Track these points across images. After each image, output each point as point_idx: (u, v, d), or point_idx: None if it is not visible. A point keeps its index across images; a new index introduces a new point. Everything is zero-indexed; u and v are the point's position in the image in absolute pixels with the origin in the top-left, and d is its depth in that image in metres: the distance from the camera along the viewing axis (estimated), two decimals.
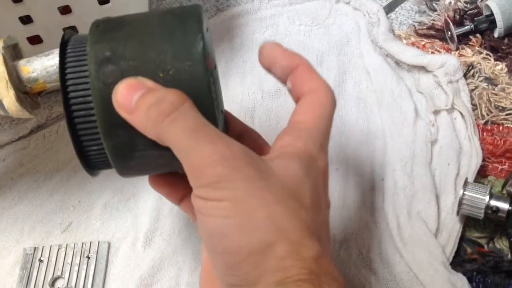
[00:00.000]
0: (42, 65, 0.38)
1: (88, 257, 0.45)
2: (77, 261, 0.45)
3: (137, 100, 0.29)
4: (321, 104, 0.33)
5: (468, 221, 0.45)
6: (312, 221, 0.29)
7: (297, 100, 0.34)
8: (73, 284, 0.44)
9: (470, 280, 0.42)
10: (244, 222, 0.27)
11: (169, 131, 0.28)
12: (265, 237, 0.27)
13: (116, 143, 0.31)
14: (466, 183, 0.43)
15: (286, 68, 0.34)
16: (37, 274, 0.45)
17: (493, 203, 0.42)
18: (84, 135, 0.32)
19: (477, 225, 0.45)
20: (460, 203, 0.42)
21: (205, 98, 0.30)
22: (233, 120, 0.38)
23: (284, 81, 0.34)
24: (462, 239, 0.44)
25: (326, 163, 0.32)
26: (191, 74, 0.30)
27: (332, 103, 0.33)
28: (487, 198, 0.42)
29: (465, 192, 0.42)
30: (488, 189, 0.42)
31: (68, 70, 0.32)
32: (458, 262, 0.43)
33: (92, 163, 0.35)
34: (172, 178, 0.37)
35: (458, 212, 0.44)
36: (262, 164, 0.29)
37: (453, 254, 0.43)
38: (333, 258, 0.32)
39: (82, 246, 0.46)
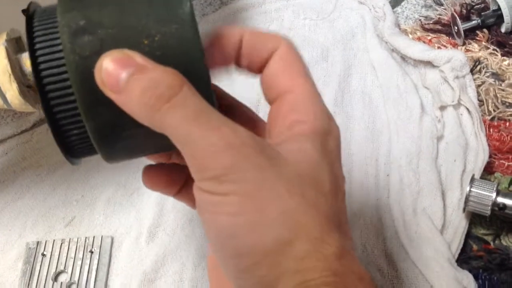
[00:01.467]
0: None
1: (91, 252, 0.45)
2: (80, 256, 0.45)
3: (127, 80, 0.25)
4: (290, 61, 0.28)
5: (474, 218, 0.45)
6: (331, 208, 0.26)
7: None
8: (76, 278, 0.44)
9: (476, 277, 0.41)
10: (256, 219, 0.24)
11: (167, 119, 0.25)
12: (280, 234, 0.24)
13: (99, 124, 0.27)
14: (472, 179, 0.43)
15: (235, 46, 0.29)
16: (40, 268, 0.45)
17: (500, 200, 0.42)
18: (63, 118, 0.28)
19: (483, 222, 0.45)
20: (467, 200, 0.42)
21: (198, 67, 0.26)
22: (222, 95, 0.33)
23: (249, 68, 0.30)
24: (468, 236, 0.44)
25: (338, 129, 0.28)
26: (180, 39, 0.26)
27: (297, 54, 0.29)
28: (493, 195, 0.42)
29: (471, 189, 0.42)
30: (495, 186, 0.42)
31: (37, 46, 0.28)
32: (464, 259, 0.43)
33: (74, 150, 0.30)
34: (166, 170, 0.34)
35: (464, 209, 0.43)
36: (272, 151, 0.26)
37: (459, 251, 0.43)
38: (353, 244, 0.29)
39: (85, 241, 0.46)
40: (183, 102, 0.25)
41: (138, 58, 0.26)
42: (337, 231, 0.25)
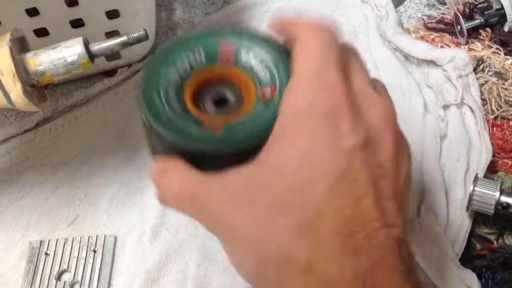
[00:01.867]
0: (49, 58, 0.37)
1: (95, 251, 0.45)
2: (84, 255, 0.45)
3: None
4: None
5: (478, 217, 0.45)
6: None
7: None
8: (79, 277, 0.44)
9: (479, 277, 0.41)
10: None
11: None
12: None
13: None
14: (476, 178, 0.43)
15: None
16: (43, 267, 0.45)
17: (504, 199, 0.42)
18: None
19: (487, 221, 0.45)
20: (470, 199, 0.42)
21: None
22: None
23: None
24: (471, 235, 0.44)
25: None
26: None
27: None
28: (497, 194, 0.42)
29: (475, 188, 0.42)
30: (499, 185, 0.42)
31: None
32: (467, 258, 0.43)
33: None
34: None
35: (467, 208, 0.43)
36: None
37: (462, 250, 0.43)
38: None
39: (89, 240, 0.46)
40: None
41: None
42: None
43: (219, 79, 0.33)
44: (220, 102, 0.33)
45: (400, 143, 0.29)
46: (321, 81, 0.27)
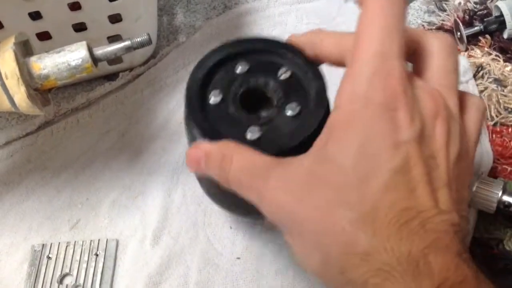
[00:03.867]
0: (53, 62, 0.38)
1: (97, 255, 0.45)
2: (86, 259, 0.45)
3: None
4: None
5: (478, 222, 0.45)
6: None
7: None
8: (81, 281, 0.44)
9: None
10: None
11: None
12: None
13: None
14: (479, 177, 0.43)
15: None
16: (45, 271, 0.45)
17: (506, 198, 0.42)
18: None
19: (487, 226, 0.45)
20: (473, 197, 0.43)
21: None
22: None
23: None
24: (472, 241, 0.44)
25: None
26: None
27: None
28: (500, 192, 0.42)
29: (478, 186, 0.42)
30: (502, 184, 0.42)
31: None
32: None
33: None
34: None
35: (470, 205, 0.43)
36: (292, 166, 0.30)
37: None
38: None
39: (91, 244, 0.46)
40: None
41: None
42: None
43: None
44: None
45: (452, 130, 0.29)
46: (378, 69, 0.28)
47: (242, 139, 0.33)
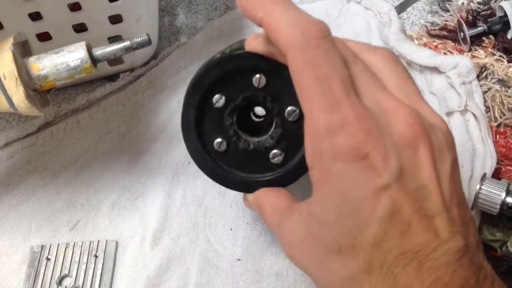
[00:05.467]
0: (52, 63, 0.38)
1: (96, 256, 0.45)
2: (85, 260, 0.45)
3: None
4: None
5: (481, 225, 0.44)
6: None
7: None
8: (80, 282, 0.44)
9: None
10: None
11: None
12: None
13: None
14: (483, 178, 0.43)
15: None
16: (44, 272, 0.44)
17: (510, 200, 0.42)
18: None
19: (490, 228, 0.44)
20: (476, 198, 0.42)
21: None
22: None
23: None
24: None
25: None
26: None
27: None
28: (503, 194, 0.42)
29: (482, 187, 0.42)
30: (506, 185, 0.42)
31: None
32: None
33: None
34: None
35: (472, 207, 0.43)
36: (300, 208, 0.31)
37: None
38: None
39: (90, 245, 0.46)
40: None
41: None
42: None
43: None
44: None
45: (436, 147, 0.27)
46: (331, 122, 0.26)
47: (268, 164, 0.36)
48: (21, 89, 0.36)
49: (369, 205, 0.25)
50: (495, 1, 0.58)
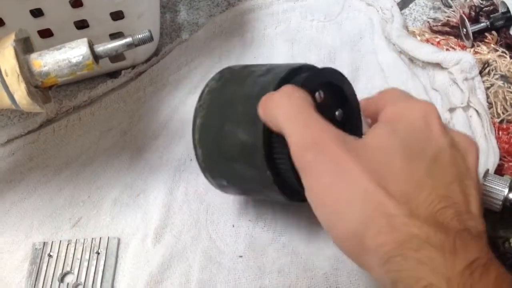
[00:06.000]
0: (54, 59, 0.37)
1: (98, 253, 0.45)
2: (87, 257, 0.45)
3: None
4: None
5: (485, 222, 0.44)
6: (407, 182, 0.29)
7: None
8: (82, 279, 0.44)
9: None
10: (333, 210, 0.29)
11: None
12: (358, 218, 0.28)
13: None
14: (486, 174, 0.42)
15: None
16: (46, 269, 0.44)
17: None
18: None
19: (493, 224, 0.44)
20: None
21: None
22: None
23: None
24: None
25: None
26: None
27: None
28: (506, 190, 0.41)
29: (484, 183, 0.42)
30: (508, 181, 0.42)
31: None
32: None
33: None
34: None
35: None
36: (353, 142, 0.31)
37: None
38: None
39: (92, 242, 0.46)
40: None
41: None
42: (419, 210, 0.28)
43: None
44: None
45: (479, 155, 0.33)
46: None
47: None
48: (23, 86, 0.36)
49: (425, 148, 0.31)
50: None
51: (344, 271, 0.42)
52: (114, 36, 0.53)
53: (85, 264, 0.44)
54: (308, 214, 0.36)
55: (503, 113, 0.50)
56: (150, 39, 0.39)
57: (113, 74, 0.58)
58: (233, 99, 0.38)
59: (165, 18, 0.63)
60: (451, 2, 0.60)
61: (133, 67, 0.58)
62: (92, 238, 0.46)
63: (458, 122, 0.48)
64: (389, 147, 0.30)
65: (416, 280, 0.26)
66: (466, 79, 0.50)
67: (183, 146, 0.51)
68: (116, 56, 0.55)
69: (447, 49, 0.55)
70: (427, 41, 0.57)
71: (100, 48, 0.38)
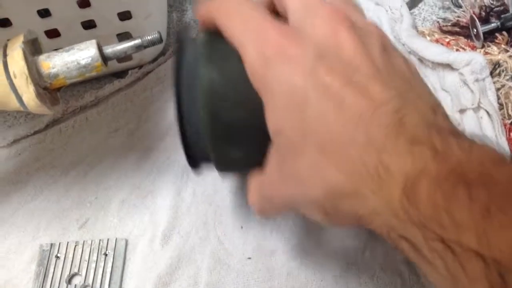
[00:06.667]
0: (63, 61, 0.37)
1: (106, 254, 0.45)
2: (94, 258, 0.45)
3: None
4: None
5: None
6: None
7: None
8: (90, 281, 0.44)
9: None
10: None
11: None
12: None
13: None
14: None
15: None
16: (53, 270, 0.44)
17: None
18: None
19: None
20: None
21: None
22: None
23: None
24: None
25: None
26: None
27: None
28: None
29: None
30: None
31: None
32: None
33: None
34: None
35: None
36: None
37: None
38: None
39: (99, 243, 0.45)
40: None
41: None
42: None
43: None
44: None
45: (363, 35, 0.29)
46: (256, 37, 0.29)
47: None
48: (31, 88, 0.36)
49: (302, 91, 0.27)
50: None
51: (354, 274, 0.41)
52: (122, 36, 0.53)
53: (93, 265, 0.44)
54: None
55: None
56: (160, 40, 0.39)
57: (120, 74, 0.58)
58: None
59: (172, 17, 0.63)
60: (461, 2, 0.59)
61: (140, 67, 0.57)
62: (100, 240, 0.46)
63: (469, 124, 0.48)
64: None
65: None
66: (477, 80, 0.49)
67: None
68: (123, 57, 0.55)
69: (457, 50, 0.55)
70: (437, 41, 0.56)
71: (109, 49, 0.38)
